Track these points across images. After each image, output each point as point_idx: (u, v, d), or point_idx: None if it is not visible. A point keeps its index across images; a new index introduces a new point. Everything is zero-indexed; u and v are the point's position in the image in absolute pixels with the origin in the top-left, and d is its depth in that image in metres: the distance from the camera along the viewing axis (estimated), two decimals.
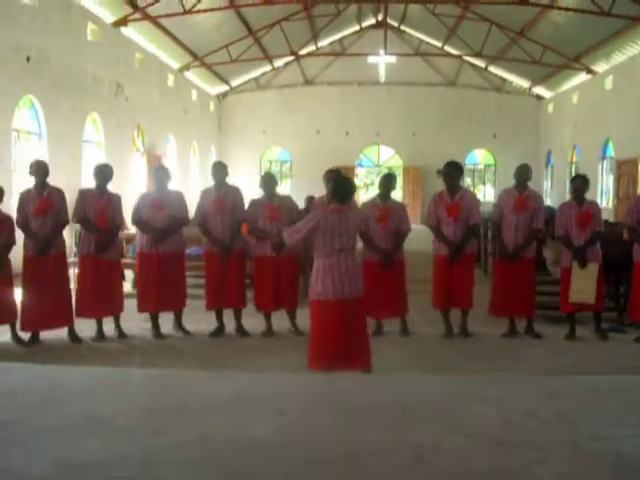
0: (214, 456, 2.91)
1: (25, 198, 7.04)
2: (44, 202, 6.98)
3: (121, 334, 7.33)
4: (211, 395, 3.79)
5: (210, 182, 7.74)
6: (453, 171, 7.52)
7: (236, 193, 7.62)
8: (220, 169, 7.62)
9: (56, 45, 13.50)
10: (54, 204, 7.04)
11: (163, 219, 7.30)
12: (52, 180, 7.19)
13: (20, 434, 3.12)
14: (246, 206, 7.59)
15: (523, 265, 7.41)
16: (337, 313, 5.21)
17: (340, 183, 5.42)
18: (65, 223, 7.18)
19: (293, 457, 2.91)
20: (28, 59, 12.42)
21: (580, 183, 7.47)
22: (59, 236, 7.14)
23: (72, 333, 7.18)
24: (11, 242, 6.95)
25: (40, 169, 7.05)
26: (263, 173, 8.52)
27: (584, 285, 7.23)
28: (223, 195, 7.48)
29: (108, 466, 2.74)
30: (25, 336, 7.05)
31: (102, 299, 7.19)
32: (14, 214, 7.05)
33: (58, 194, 7.15)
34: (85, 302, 7.16)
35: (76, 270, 7.62)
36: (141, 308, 7.46)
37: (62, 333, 7.17)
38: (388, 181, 7.61)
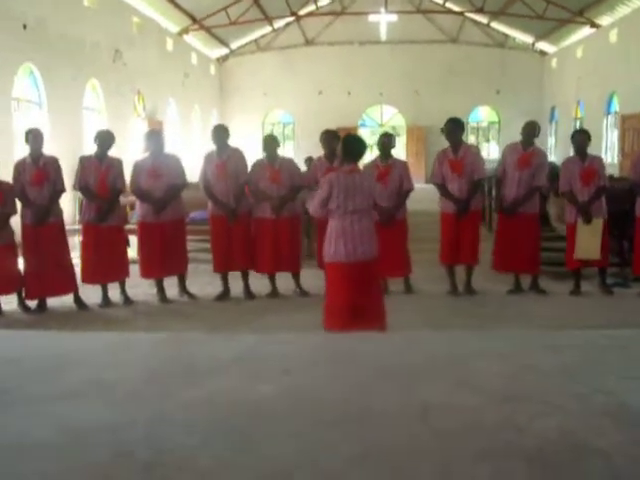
0: (220, 418, 2.93)
1: (20, 168, 7.00)
2: (40, 172, 6.95)
3: (127, 300, 7.37)
4: (216, 357, 3.81)
5: (211, 146, 7.68)
6: (454, 127, 7.47)
7: (238, 156, 7.55)
8: (220, 132, 7.55)
9: (52, 12, 13.32)
10: (50, 173, 7.01)
11: (162, 187, 7.28)
12: (53, 148, 7.18)
13: (26, 400, 3.14)
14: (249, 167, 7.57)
15: (526, 221, 7.38)
16: (350, 275, 5.25)
17: (351, 143, 5.35)
18: (61, 191, 7.14)
19: (299, 417, 2.93)
20: (25, 27, 12.28)
21: (580, 138, 7.40)
22: (56, 205, 7.13)
23: (78, 300, 7.22)
24: (11, 211, 6.96)
25: (36, 138, 7.00)
26: (265, 135, 8.46)
27: (589, 241, 7.19)
28: (225, 159, 7.43)
29: (114, 430, 2.76)
30: (32, 304, 7.10)
31: (106, 266, 7.21)
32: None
33: (54, 163, 7.12)
34: (89, 269, 7.23)
35: (79, 237, 7.62)
36: (144, 274, 7.51)
37: (69, 300, 7.22)
38: (386, 140, 7.53)
